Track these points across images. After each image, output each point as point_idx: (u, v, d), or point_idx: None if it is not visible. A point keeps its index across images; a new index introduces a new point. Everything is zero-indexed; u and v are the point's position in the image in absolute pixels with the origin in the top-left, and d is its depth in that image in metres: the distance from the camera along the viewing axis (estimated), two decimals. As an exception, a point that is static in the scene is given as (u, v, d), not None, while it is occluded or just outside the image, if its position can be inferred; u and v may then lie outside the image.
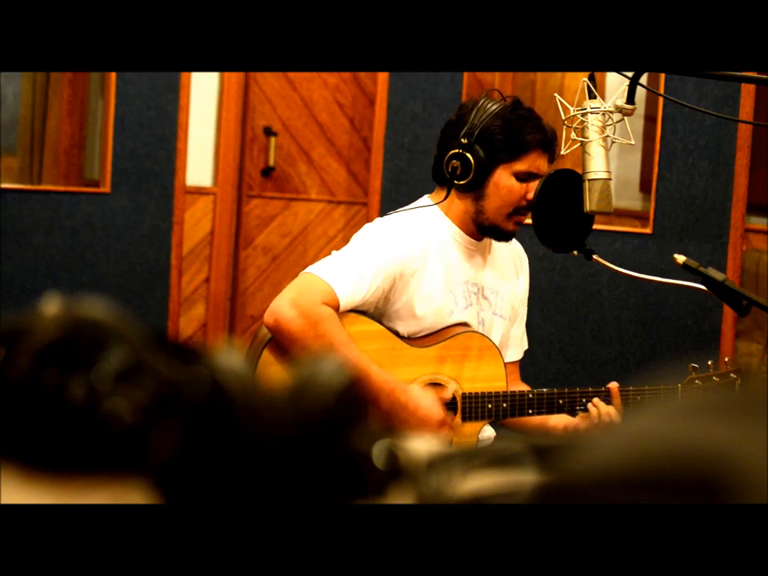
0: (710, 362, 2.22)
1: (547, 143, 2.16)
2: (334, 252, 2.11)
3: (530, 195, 2.14)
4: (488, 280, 2.26)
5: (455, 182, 2.15)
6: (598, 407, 2.13)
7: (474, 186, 2.16)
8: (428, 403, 2.04)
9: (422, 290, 2.13)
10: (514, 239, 2.36)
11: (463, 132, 2.14)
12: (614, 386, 2.17)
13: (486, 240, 2.26)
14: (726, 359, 2.26)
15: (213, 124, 4.28)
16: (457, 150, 2.14)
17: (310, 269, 2.05)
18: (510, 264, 2.34)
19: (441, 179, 2.21)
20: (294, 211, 4.49)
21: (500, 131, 2.13)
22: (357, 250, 2.09)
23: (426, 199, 2.25)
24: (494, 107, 2.15)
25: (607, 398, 2.16)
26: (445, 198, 2.19)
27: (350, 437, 0.43)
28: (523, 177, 2.15)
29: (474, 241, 2.22)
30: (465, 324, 2.19)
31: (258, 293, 4.45)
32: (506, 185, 2.14)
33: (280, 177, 4.50)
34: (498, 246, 2.30)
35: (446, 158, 2.16)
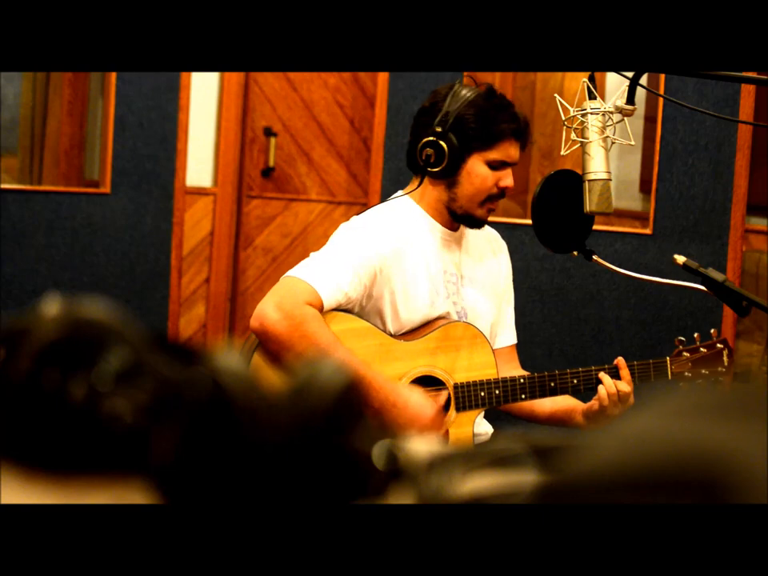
0: (696, 335, 2.26)
1: (520, 132, 2.17)
2: (312, 253, 2.11)
3: (502, 183, 2.17)
4: (466, 269, 2.27)
5: (429, 169, 2.16)
6: (604, 381, 2.14)
7: (447, 174, 2.17)
8: (417, 400, 2.04)
9: (403, 284, 2.14)
10: (487, 225, 2.37)
11: (437, 120, 2.15)
12: (619, 359, 2.19)
13: (461, 229, 2.27)
14: (712, 331, 2.29)
15: (213, 124, 4.28)
16: (431, 138, 2.15)
17: (290, 272, 2.06)
18: (487, 249, 2.35)
19: (414, 167, 2.22)
20: (294, 212, 4.49)
21: (474, 120, 2.14)
22: (335, 248, 2.10)
23: (400, 194, 2.27)
24: (468, 94, 2.16)
25: (613, 374, 2.17)
26: (418, 186, 2.20)
27: (350, 437, 0.43)
28: (495, 165, 2.16)
29: (449, 231, 2.24)
30: (446, 315, 2.20)
31: (258, 293, 4.45)
32: (479, 173, 2.16)
33: (280, 177, 4.50)
34: (472, 234, 2.31)
35: (420, 146, 2.17)
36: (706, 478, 0.35)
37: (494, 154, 2.15)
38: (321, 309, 2.02)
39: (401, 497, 0.43)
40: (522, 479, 0.42)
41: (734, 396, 0.41)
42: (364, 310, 2.14)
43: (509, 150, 2.17)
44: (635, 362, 2.20)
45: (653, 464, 0.37)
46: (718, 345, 2.28)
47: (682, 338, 2.25)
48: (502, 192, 2.18)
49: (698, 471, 0.35)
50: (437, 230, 2.22)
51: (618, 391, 2.14)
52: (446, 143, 2.14)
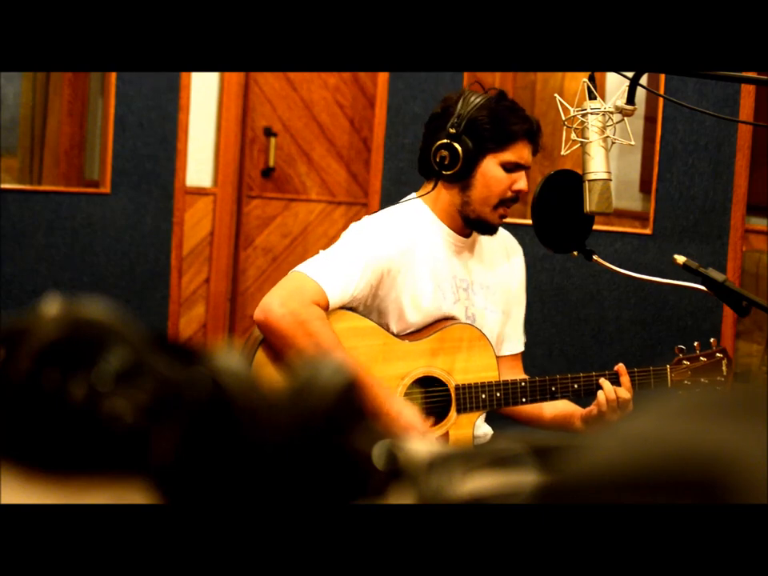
0: (696, 343, 2.26)
1: (532, 133, 2.18)
2: (321, 251, 2.12)
3: (516, 186, 2.17)
4: (477, 275, 2.27)
5: (443, 172, 2.16)
6: (604, 387, 2.15)
7: (461, 177, 2.17)
8: (409, 414, 2.05)
9: (409, 286, 2.14)
10: (501, 228, 2.36)
11: (450, 123, 2.16)
12: (620, 366, 2.19)
13: (473, 236, 2.27)
14: (712, 340, 2.29)
15: (213, 124, 4.28)
16: (445, 141, 2.15)
17: (299, 268, 2.07)
18: (500, 255, 2.35)
19: (428, 171, 2.22)
20: (294, 212, 4.49)
21: (487, 121, 2.15)
22: (344, 247, 2.11)
23: (413, 196, 2.27)
24: (479, 98, 2.18)
25: (614, 380, 2.18)
26: (433, 188, 2.20)
27: (351, 437, 0.43)
28: (510, 167, 2.17)
29: (461, 238, 2.24)
30: (453, 317, 2.20)
31: (258, 293, 4.45)
32: (493, 174, 2.16)
33: (280, 177, 4.50)
34: (486, 239, 2.31)
35: (434, 149, 2.17)
36: (705, 478, 0.35)
37: (508, 155, 2.16)
38: (326, 308, 2.04)
39: (401, 497, 0.43)
40: (522, 479, 0.42)
41: (734, 396, 0.41)
42: (369, 308, 2.14)
43: (522, 152, 2.17)
44: (635, 369, 2.20)
45: (653, 464, 0.37)
46: (717, 354, 2.29)
47: (682, 347, 2.26)
48: (516, 195, 2.18)
49: (698, 471, 0.35)
50: (447, 235, 2.22)
51: (617, 397, 2.14)
52: (460, 145, 2.15)
